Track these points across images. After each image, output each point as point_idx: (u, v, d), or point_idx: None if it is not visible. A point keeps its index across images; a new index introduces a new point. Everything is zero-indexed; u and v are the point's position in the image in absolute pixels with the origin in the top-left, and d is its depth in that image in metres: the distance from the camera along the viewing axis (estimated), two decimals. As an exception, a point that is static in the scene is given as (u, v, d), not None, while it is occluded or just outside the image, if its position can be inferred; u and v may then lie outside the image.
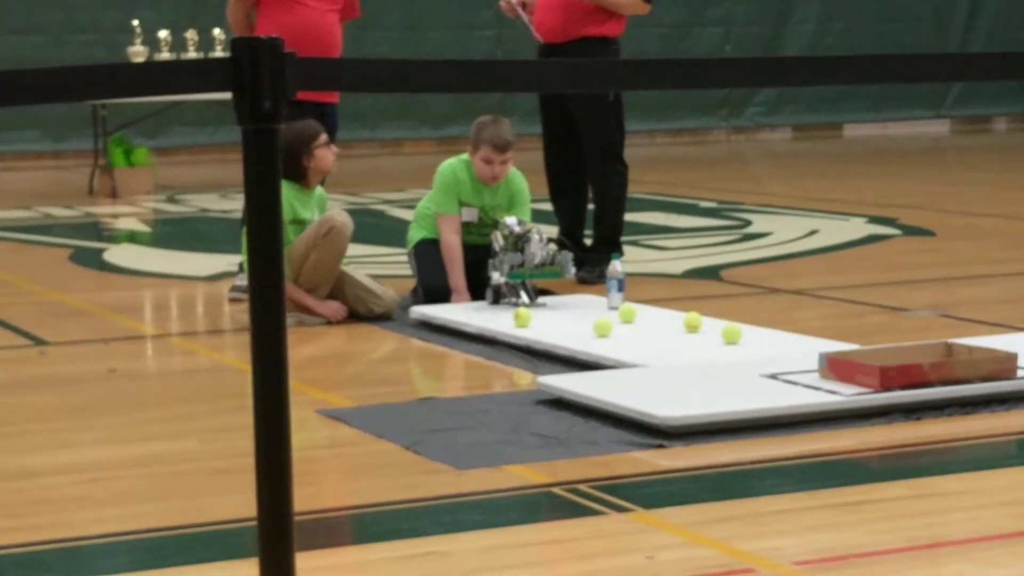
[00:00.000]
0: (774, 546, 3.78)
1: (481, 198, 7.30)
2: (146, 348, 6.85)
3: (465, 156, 7.35)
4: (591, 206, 8.37)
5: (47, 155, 15.93)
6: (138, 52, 13.13)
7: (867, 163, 15.59)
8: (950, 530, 3.95)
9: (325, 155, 7.13)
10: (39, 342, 6.71)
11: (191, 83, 2.55)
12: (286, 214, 6.92)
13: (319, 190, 7.23)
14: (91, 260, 9.45)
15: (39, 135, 15.82)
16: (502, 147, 7.19)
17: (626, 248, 8.33)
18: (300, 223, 7.00)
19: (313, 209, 7.14)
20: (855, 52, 17.35)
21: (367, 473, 4.64)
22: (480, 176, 7.26)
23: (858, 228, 10.16)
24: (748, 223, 10.54)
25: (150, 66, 2.57)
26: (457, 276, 7.15)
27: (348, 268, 7.12)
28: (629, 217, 8.52)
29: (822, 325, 6.60)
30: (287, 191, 6.97)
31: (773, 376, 5.30)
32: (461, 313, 6.80)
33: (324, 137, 7.14)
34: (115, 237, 10.88)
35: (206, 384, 5.89)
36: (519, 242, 6.93)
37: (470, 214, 7.29)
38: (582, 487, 4.32)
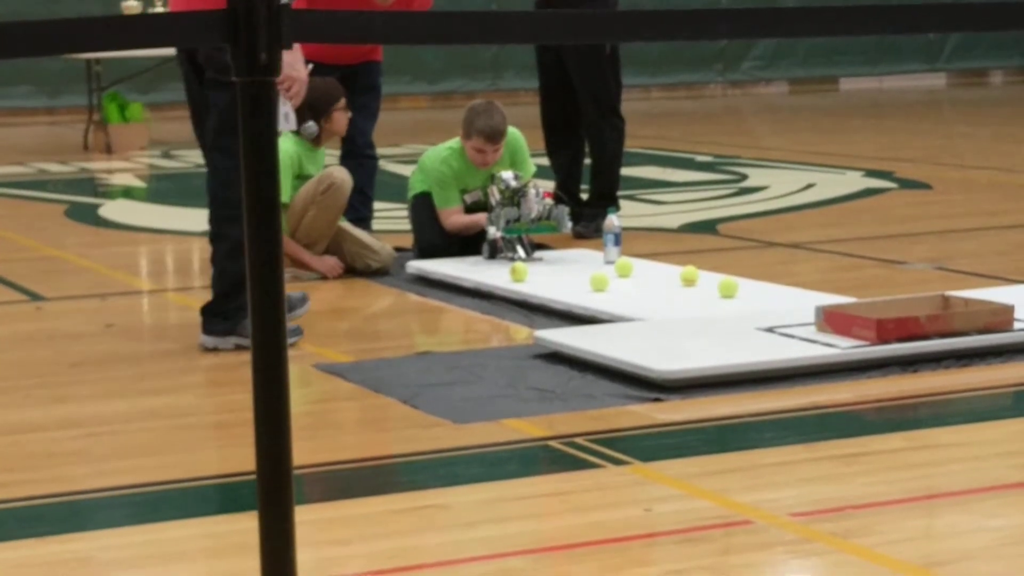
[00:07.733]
0: (771, 498, 3.79)
1: (480, 177, 7.23)
2: (143, 303, 6.85)
3: (453, 143, 7.26)
4: (587, 160, 8.36)
5: (41, 111, 15.89)
6: (132, 7, 13.08)
7: (863, 117, 15.57)
8: (947, 481, 3.96)
9: (340, 118, 7.13)
10: (36, 297, 6.71)
11: (187, 35, 2.53)
12: (293, 168, 6.94)
13: (322, 150, 7.22)
14: (87, 216, 9.44)
15: (33, 91, 15.77)
16: (494, 139, 7.12)
17: (622, 202, 8.31)
18: (306, 179, 7.00)
19: (318, 166, 7.13)
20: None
21: (365, 427, 4.64)
22: (472, 162, 7.21)
23: (854, 182, 10.15)
24: (744, 177, 10.53)
25: (146, 18, 2.56)
26: (470, 219, 7.14)
27: (346, 224, 7.11)
28: (625, 171, 8.51)
29: (818, 278, 6.61)
30: (296, 146, 6.98)
31: (770, 329, 5.30)
32: (458, 268, 6.80)
33: (344, 101, 7.13)
34: (110, 193, 10.87)
35: (203, 339, 5.89)
36: (515, 196, 6.91)
37: (473, 196, 7.25)
38: (579, 440, 4.33)
